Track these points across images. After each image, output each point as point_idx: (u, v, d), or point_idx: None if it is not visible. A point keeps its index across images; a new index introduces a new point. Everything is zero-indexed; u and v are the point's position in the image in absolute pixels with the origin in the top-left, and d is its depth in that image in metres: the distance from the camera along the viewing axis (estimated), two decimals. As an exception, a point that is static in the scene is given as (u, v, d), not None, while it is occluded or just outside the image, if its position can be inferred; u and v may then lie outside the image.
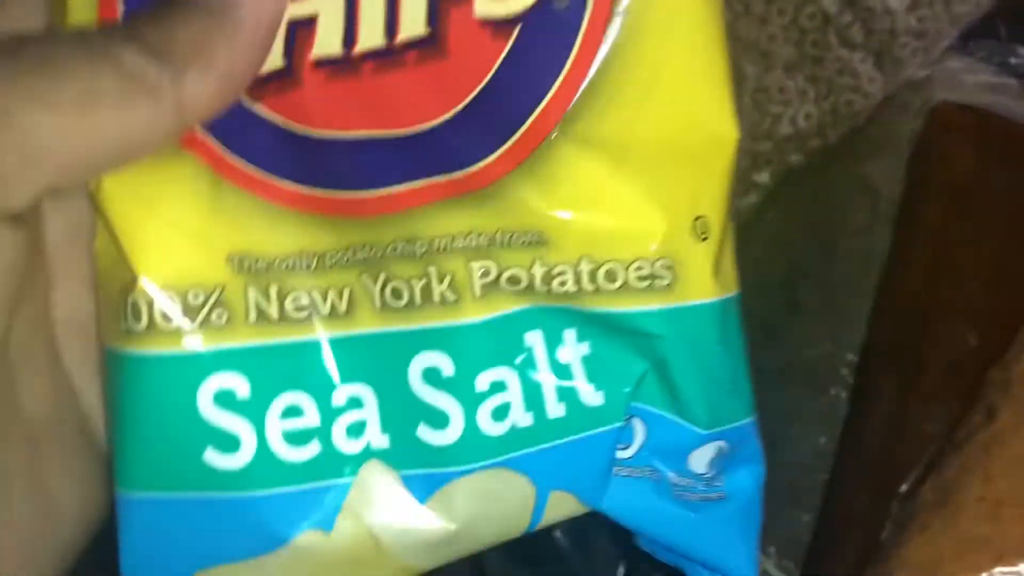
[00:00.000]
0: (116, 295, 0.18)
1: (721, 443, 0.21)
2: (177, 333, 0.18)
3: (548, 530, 0.46)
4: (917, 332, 0.39)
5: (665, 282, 0.20)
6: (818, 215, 0.44)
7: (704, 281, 0.21)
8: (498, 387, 0.19)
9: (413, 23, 0.18)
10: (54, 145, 0.16)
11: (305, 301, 0.18)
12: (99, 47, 0.16)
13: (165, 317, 0.18)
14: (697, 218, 0.20)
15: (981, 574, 0.31)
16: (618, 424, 0.20)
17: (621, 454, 0.21)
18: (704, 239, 0.21)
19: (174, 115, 0.17)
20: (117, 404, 0.19)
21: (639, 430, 0.21)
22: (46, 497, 0.19)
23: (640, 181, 0.20)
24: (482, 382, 0.19)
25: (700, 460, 0.21)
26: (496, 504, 0.20)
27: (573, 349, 0.20)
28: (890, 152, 0.43)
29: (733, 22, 0.41)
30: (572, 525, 0.46)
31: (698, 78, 0.20)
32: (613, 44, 0.19)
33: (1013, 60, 0.42)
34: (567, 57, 0.19)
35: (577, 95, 0.19)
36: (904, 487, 0.36)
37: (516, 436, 0.19)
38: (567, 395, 0.20)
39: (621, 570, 0.44)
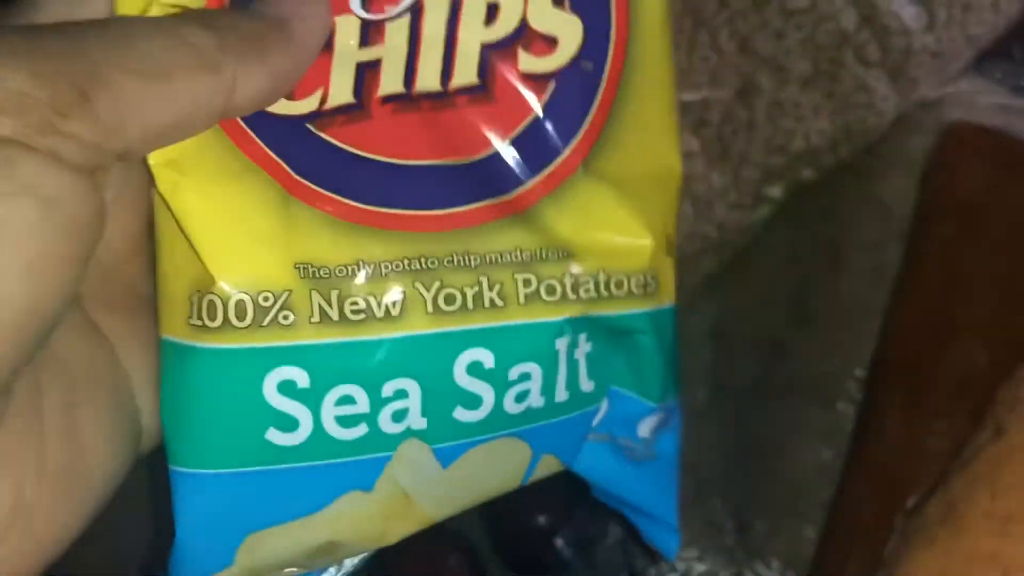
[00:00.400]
0: (185, 292, 0.21)
1: (662, 414, 0.27)
2: (249, 331, 0.20)
3: (552, 541, 0.45)
4: (926, 349, 0.39)
5: (652, 289, 0.25)
6: (829, 231, 0.44)
7: (670, 289, 0.26)
8: (525, 377, 0.23)
9: (466, 72, 0.22)
10: (137, 108, 0.18)
11: (362, 305, 0.21)
12: (174, 27, 0.19)
13: (239, 316, 0.20)
14: (667, 237, 0.25)
15: (987, 590, 0.31)
16: (598, 404, 0.25)
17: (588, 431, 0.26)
18: (670, 255, 0.25)
19: (227, 96, 0.19)
20: (183, 391, 0.21)
21: (603, 406, 0.25)
22: (79, 444, 0.20)
23: (635, 208, 0.24)
24: (514, 372, 0.23)
25: (646, 427, 0.26)
26: (502, 464, 0.24)
27: (582, 349, 0.24)
28: (902, 170, 0.43)
29: (749, 36, 0.42)
30: (576, 536, 0.45)
31: (664, 124, 0.25)
32: (618, 98, 0.24)
33: (1029, 84, 0.42)
34: (591, 107, 0.23)
35: (596, 141, 0.23)
36: (910, 502, 0.36)
37: (529, 414, 0.23)
38: (572, 384, 0.24)
39: (622, 580, 0.44)
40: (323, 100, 0.21)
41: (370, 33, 0.21)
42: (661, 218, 0.25)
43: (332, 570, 0.27)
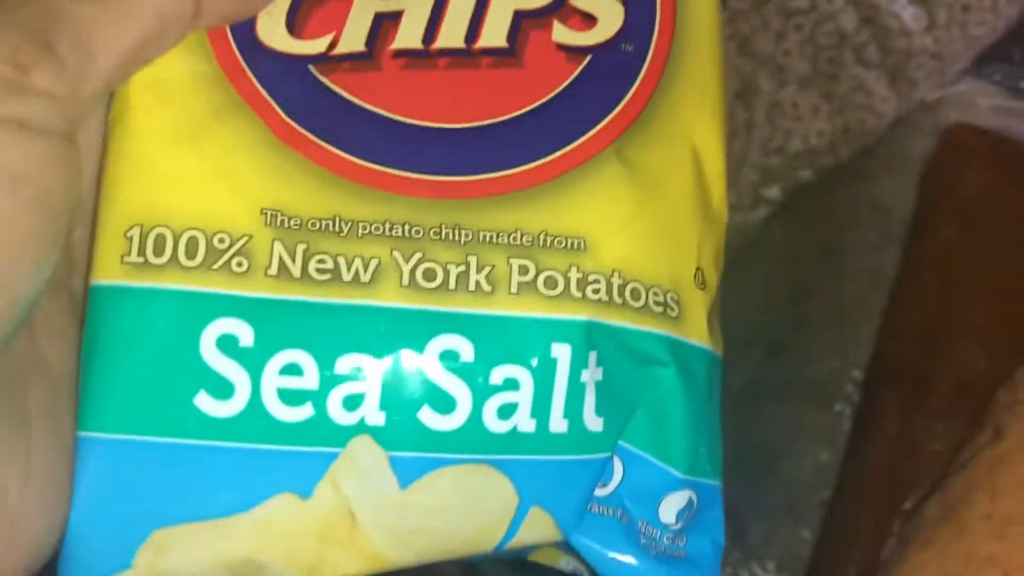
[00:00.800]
0: (125, 226, 0.18)
1: (692, 493, 0.21)
2: (195, 272, 0.18)
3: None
4: (925, 351, 0.38)
5: (674, 313, 0.21)
6: (827, 232, 0.44)
7: (700, 326, 0.21)
8: (511, 384, 0.19)
9: (494, 35, 0.20)
10: (105, 35, 0.17)
11: (329, 264, 0.19)
12: None
13: (188, 254, 0.18)
14: (698, 268, 0.21)
15: (986, 592, 0.31)
16: (607, 454, 0.20)
17: (598, 492, 0.21)
18: (702, 288, 0.22)
19: (193, 8, 0.18)
20: (106, 337, 0.18)
21: (618, 470, 0.21)
22: (64, 447, 0.18)
23: (665, 216, 0.21)
24: (497, 375, 0.19)
25: (670, 509, 0.21)
26: (477, 502, 0.20)
27: (591, 372, 0.20)
28: (901, 172, 0.43)
29: (750, 36, 0.41)
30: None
31: (712, 150, 0.22)
32: (660, 87, 0.21)
33: (1028, 86, 0.42)
34: (628, 89, 0.21)
35: (631, 126, 0.21)
36: (908, 504, 0.36)
37: (515, 439, 0.19)
38: (573, 414, 0.20)
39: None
40: (332, 44, 0.20)
41: None
42: (695, 245, 0.21)
43: None
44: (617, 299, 0.20)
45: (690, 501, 0.21)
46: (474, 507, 0.19)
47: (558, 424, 0.20)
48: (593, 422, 0.20)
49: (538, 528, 0.20)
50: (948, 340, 0.38)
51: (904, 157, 0.43)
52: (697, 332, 0.21)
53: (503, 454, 0.19)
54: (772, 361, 0.44)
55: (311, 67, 0.20)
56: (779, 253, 0.46)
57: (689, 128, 0.22)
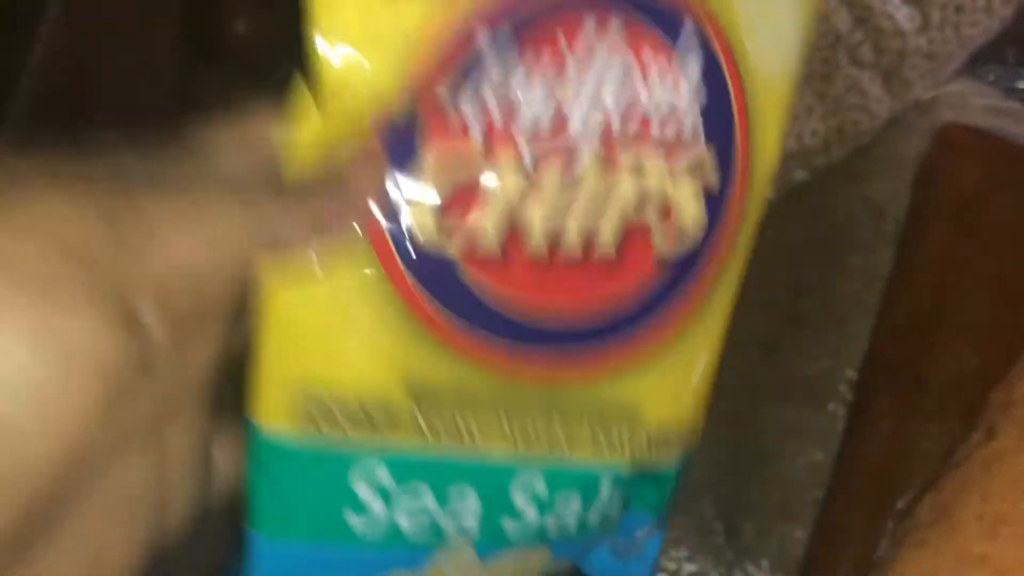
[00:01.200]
0: (289, 387, 0.22)
1: (650, 528, 0.29)
2: (348, 427, 0.23)
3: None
4: (918, 351, 0.38)
5: (688, 442, 0.28)
6: (821, 232, 0.44)
7: (697, 433, 0.29)
8: (568, 504, 0.26)
9: (605, 246, 0.23)
10: (166, 241, 0.18)
11: (450, 424, 0.23)
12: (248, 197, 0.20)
13: (344, 413, 0.23)
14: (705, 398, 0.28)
15: (978, 592, 0.31)
16: (620, 529, 0.28)
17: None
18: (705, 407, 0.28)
19: (263, 230, 0.20)
20: (280, 473, 0.23)
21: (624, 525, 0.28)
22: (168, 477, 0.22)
23: (692, 384, 0.27)
24: (560, 499, 0.26)
25: (644, 532, 0.29)
26: (525, 565, 0.27)
27: (622, 488, 0.27)
28: (895, 172, 0.43)
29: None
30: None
31: (722, 327, 0.28)
32: (710, 293, 0.26)
33: (1020, 84, 0.42)
34: (691, 292, 0.25)
35: (683, 325, 0.25)
36: (901, 504, 0.36)
37: (563, 532, 0.26)
38: (605, 514, 0.27)
39: None
40: (473, 245, 0.22)
41: (529, 188, 0.22)
42: (705, 387, 0.27)
43: None
44: (650, 449, 0.27)
45: (654, 525, 0.29)
46: (523, 568, 0.27)
47: (594, 521, 0.27)
48: (615, 514, 0.27)
49: (560, 566, 0.28)
50: (941, 339, 0.38)
51: (898, 157, 0.43)
52: (695, 439, 0.28)
53: (552, 541, 0.26)
54: (766, 360, 0.43)
55: (454, 264, 0.22)
56: (773, 252, 0.46)
57: (717, 324, 0.27)
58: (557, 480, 0.25)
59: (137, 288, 0.18)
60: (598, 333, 0.24)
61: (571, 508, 0.26)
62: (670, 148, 0.23)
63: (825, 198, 0.44)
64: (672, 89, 0.22)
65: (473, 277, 0.22)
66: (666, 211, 0.23)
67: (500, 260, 0.22)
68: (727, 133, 0.23)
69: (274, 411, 0.22)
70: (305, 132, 0.21)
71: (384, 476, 0.23)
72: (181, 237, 0.18)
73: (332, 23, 0.20)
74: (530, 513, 0.25)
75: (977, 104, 0.42)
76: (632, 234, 0.23)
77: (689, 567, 0.42)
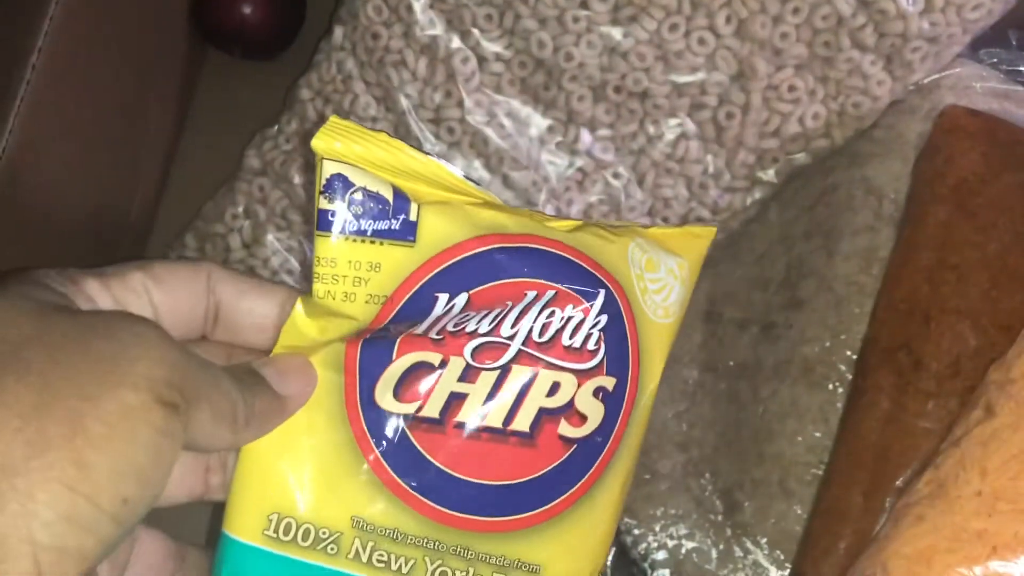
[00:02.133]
0: (265, 510, 0.28)
1: None
2: (306, 550, 0.28)
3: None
4: (918, 331, 0.38)
5: None
6: (822, 214, 0.44)
7: None
8: None
9: (522, 423, 0.29)
10: (204, 430, 0.25)
11: (385, 558, 0.28)
12: (237, 390, 0.26)
13: (303, 537, 0.28)
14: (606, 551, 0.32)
15: (975, 567, 0.31)
16: None
17: None
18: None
19: (232, 444, 0.27)
20: (244, 570, 0.28)
21: None
22: None
23: (593, 542, 0.31)
24: None
25: None
26: None
27: None
28: (896, 155, 0.42)
29: (747, 19, 0.41)
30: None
31: (616, 503, 0.32)
32: (608, 465, 0.30)
33: (1023, 67, 0.42)
34: (592, 468, 0.30)
35: (585, 493, 0.30)
36: (899, 482, 0.36)
37: None
38: None
39: (610, 556, 0.43)
40: (419, 409, 0.28)
41: (468, 374, 0.28)
42: (609, 537, 0.31)
43: None
44: None
45: None
46: None
47: None
48: None
49: None
50: (941, 319, 0.37)
51: (899, 140, 0.42)
52: None
53: None
54: (766, 340, 0.43)
55: (403, 423, 0.28)
56: (774, 234, 0.45)
57: (614, 494, 0.31)
58: None
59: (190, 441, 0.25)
60: (513, 496, 0.29)
61: None
62: (577, 363, 0.30)
63: (826, 180, 0.44)
64: (580, 325, 0.30)
65: (418, 440, 0.28)
66: (573, 410, 0.29)
67: (439, 429, 0.28)
68: (623, 357, 0.30)
69: (243, 525, 0.28)
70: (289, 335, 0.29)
71: None
72: (209, 429, 0.25)
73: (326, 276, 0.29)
74: None
75: (979, 87, 0.41)
76: (544, 421, 0.29)
77: (688, 544, 0.41)
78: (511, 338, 0.29)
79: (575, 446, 0.30)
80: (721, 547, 0.41)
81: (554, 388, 0.29)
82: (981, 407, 0.34)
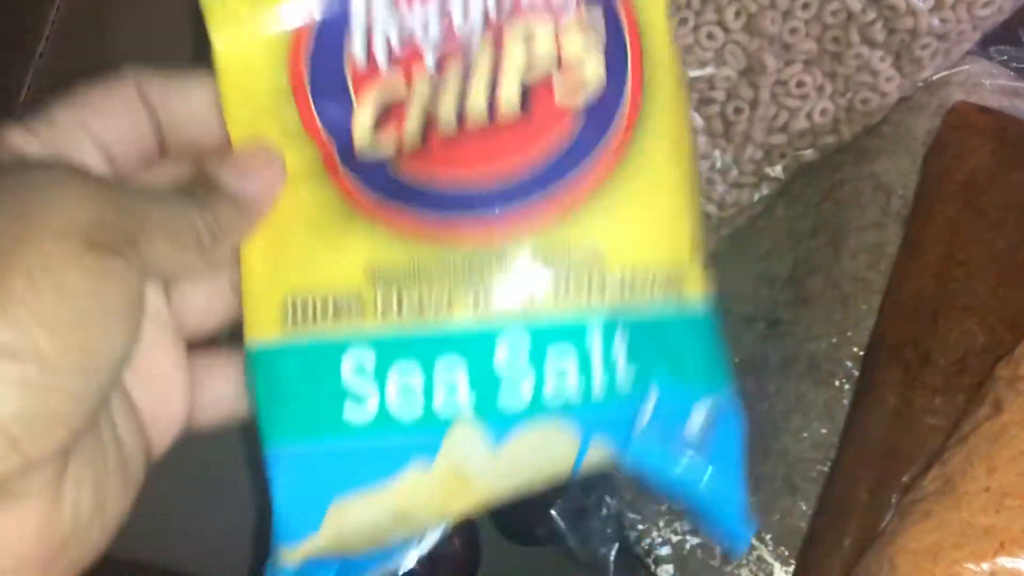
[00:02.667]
0: (280, 299, 0.25)
1: (711, 400, 0.27)
2: (330, 323, 0.25)
3: (547, 511, 0.44)
4: (925, 327, 0.37)
5: (677, 282, 0.26)
6: (829, 211, 0.43)
7: (697, 282, 0.27)
8: (561, 363, 0.25)
9: (508, 105, 0.25)
10: (158, 261, 0.23)
11: (417, 301, 0.25)
12: (184, 210, 0.24)
13: (323, 312, 0.25)
14: (692, 241, 0.27)
15: (982, 563, 0.30)
16: (641, 394, 0.26)
17: (640, 418, 0.26)
18: (695, 251, 0.27)
19: (208, 264, 0.24)
20: (279, 380, 0.25)
21: (651, 400, 0.26)
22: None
23: (664, 215, 0.26)
24: (550, 359, 0.25)
25: (697, 419, 0.27)
26: (550, 448, 0.26)
27: (619, 341, 0.25)
28: (904, 151, 0.42)
29: (757, 14, 0.40)
30: (570, 508, 0.44)
31: (682, 145, 0.27)
32: (639, 122, 0.26)
33: (1032, 67, 0.41)
34: (615, 129, 0.26)
35: (626, 150, 0.26)
36: (906, 478, 0.35)
37: (570, 399, 0.25)
38: (610, 372, 0.25)
39: (614, 551, 0.43)
40: (399, 140, 0.25)
41: (438, 87, 0.25)
42: (680, 224, 0.27)
43: (413, 548, 0.28)
44: (630, 290, 0.26)
45: (711, 407, 0.27)
46: (547, 452, 0.25)
47: (600, 382, 0.25)
48: (626, 375, 0.26)
49: (597, 456, 0.26)
50: (948, 316, 0.37)
51: (907, 136, 0.42)
52: (695, 286, 0.27)
53: (563, 411, 0.25)
54: (773, 336, 0.43)
55: (388, 162, 0.25)
56: (781, 230, 0.45)
57: (665, 140, 0.26)
58: (538, 339, 0.25)
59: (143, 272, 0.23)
60: (530, 186, 0.25)
61: (566, 368, 0.25)
62: (553, 9, 0.26)
63: (834, 176, 0.44)
64: None
65: (407, 169, 0.25)
66: (562, 64, 0.26)
67: (425, 149, 0.25)
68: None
69: (263, 324, 0.25)
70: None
71: (369, 362, 0.25)
72: (167, 259, 0.23)
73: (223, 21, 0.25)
74: (524, 378, 0.25)
75: (989, 84, 0.41)
76: (535, 93, 0.25)
77: (692, 539, 0.41)
78: (469, 29, 0.25)
79: (583, 110, 0.26)
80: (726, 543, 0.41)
81: (530, 42, 0.26)
82: (989, 403, 0.34)
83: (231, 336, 0.27)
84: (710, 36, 0.41)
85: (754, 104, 0.42)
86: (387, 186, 0.25)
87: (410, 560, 0.28)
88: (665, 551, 0.41)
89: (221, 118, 0.26)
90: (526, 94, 0.25)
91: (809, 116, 0.42)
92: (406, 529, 0.26)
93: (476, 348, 0.25)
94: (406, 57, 0.25)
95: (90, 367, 0.21)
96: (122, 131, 0.25)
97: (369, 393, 0.25)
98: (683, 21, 0.41)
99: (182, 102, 0.26)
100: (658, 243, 0.26)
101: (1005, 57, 0.41)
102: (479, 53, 0.25)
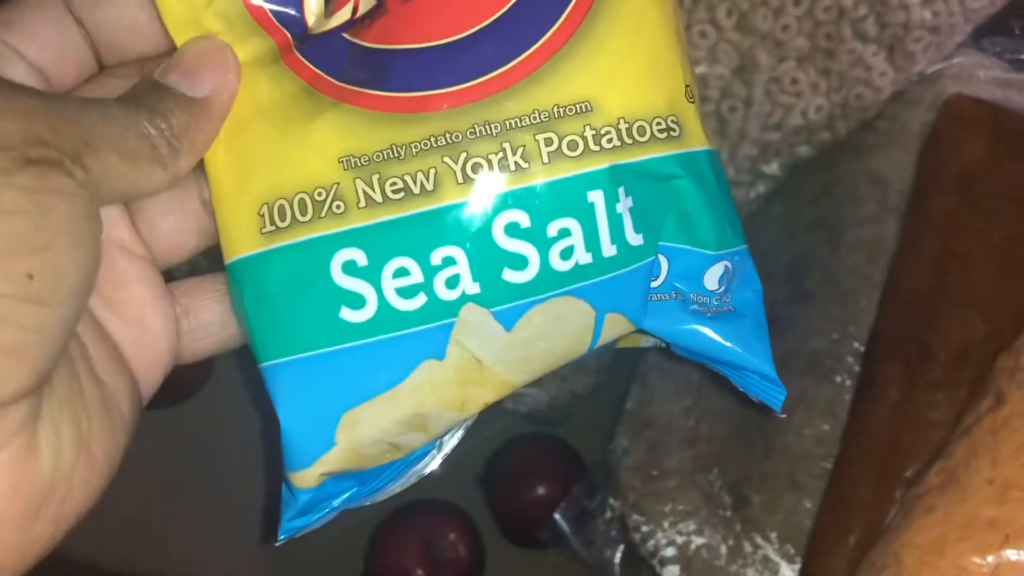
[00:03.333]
0: (254, 208, 0.24)
1: (727, 263, 0.26)
2: (311, 224, 0.23)
3: (550, 515, 0.44)
4: (925, 321, 0.37)
5: (676, 132, 0.24)
6: (826, 206, 0.43)
7: (698, 133, 0.25)
8: (565, 233, 0.23)
9: None
10: (109, 177, 0.21)
11: (400, 185, 0.23)
12: (135, 119, 0.22)
13: (302, 212, 0.23)
14: (687, 86, 0.25)
15: (987, 556, 0.30)
16: (652, 258, 0.25)
17: (653, 284, 0.25)
18: (692, 101, 0.25)
19: (171, 178, 0.23)
20: (265, 292, 0.24)
21: (664, 264, 0.25)
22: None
23: (651, 56, 0.24)
24: (552, 229, 0.23)
25: (712, 278, 0.25)
26: (565, 324, 0.24)
27: (623, 203, 0.24)
28: (899, 145, 0.42)
29: (748, 11, 0.40)
30: (574, 511, 0.44)
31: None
32: None
33: (1025, 58, 0.41)
34: None
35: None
36: (909, 473, 0.35)
37: (579, 270, 0.24)
38: (617, 238, 0.24)
39: (619, 554, 0.43)
40: (355, 9, 0.24)
41: None
42: (680, 68, 0.25)
43: (434, 451, 0.27)
44: (628, 140, 0.24)
45: (726, 268, 0.26)
46: (563, 328, 0.24)
47: (609, 250, 0.24)
48: (634, 239, 0.24)
49: (616, 327, 0.25)
50: (948, 309, 0.37)
51: (903, 130, 0.42)
52: (697, 139, 0.25)
53: (574, 284, 0.24)
54: (773, 334, 0.42)
55: (344, 34, 0.24)
56: (778, 227, 0.45)
57: (639, 7, 0.24)
58: (537, 208, 0.23)
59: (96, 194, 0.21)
60: (502, 39, 0.23)
61: (571, 236, 0.23)
62: None
63: (830, 173, 0.43)
64: None
65: (367, 39, 0.24)
66: None
67: (383, 13, 0.23)
68: None
69: (240, 239, 0.24)
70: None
71: (361, 259, 0.23)
72: (119, 175, 0.21)
73: None
74: (527, 254, 0.23)
75: (983, 76, 0.41)
76: None
77: (697, 540, 0.41)
78: None
79: None
80: (731, 542, 0.40)
81: None
82: (991, 396, 0.33)
83: (212, 261, 0.25)
84: (702, 35, 0.41)
85: (748, 102, 0.42)
86: (349, 64, 0.23)
87: (433, 464, 0.26)
88: (671, 552, 0.41)
89: (159, 22, 0.24)
90: None
91: (804, 113, 0.42)
92: (425, 432, 0.25)
93: (472, 231, 0.23)
94: None
95: (44, 295, 0.19)
96: (53, 48, 0.23)
97: (365, 291, 0.23)
98: (675, 21, 0.41)
99: (111, 8, 0.24)
100: (651, 86, 0.24)
101: (998, 48, 0.41)
102: None
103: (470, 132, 0.23)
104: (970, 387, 0.35)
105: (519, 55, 0.23)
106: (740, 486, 0.41)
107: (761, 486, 0.40)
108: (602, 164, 0.23)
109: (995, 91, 0.40)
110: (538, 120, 0.23)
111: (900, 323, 0.38)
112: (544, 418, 0.47)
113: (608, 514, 0.43)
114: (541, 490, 0.45)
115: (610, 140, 0.23)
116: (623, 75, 0.24)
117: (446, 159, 0.23)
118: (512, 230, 0.23)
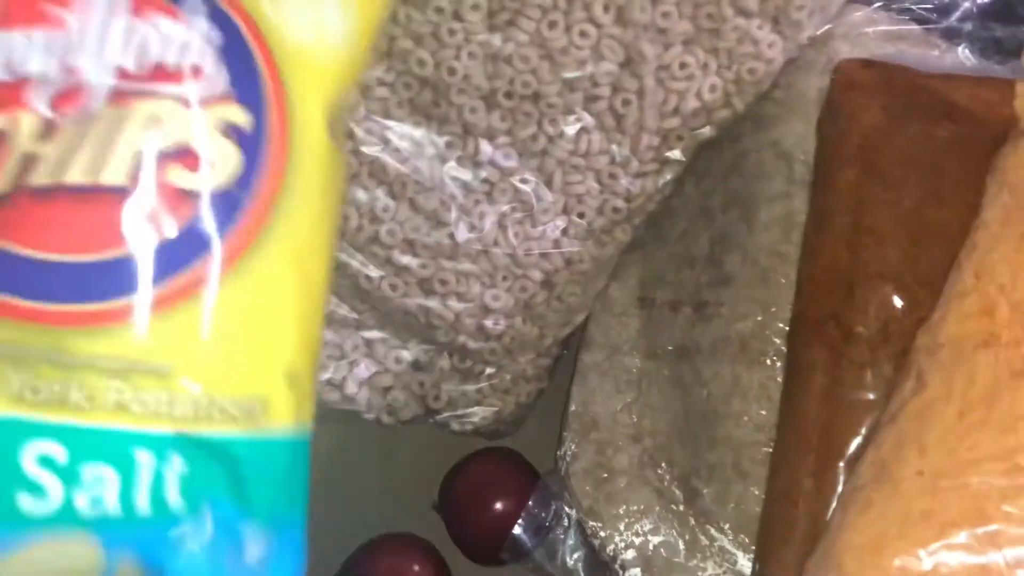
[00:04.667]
0: None
1: (271, 535, 0.25)
2: None
3: (510, 529, 0.44)
4: (843, 298, 0.36)
5: (258, 414, 0.24)
6: (737, 184, 0.42)
7: (285, 415, 0.25)
8: (99, 480, 0.22)
9: (117, 174, 0.22)
10: None
11: None
12: None
13: None
14: (290, 367, 0.24)
15: (923, 550, 0.30)
16: (194, 518, 0.24)
17: (194, 541, 0.24)
18: (293, 382, 0.25)
19: None
20: None
21: (207, 519, 0.24)
22: None
23: (255, 335, 0.24)
24: (88, 473, 0.22)
25: (254, 552, 0.25)
26: (67, 561, 0.23)
27: (174, 466, 0.23)
28: (799, 113, 0.40)
29: (625, 5, 0.38)
30: (532, 523, 0.44)
31: (308, 273, 0.25)
32: (266, 229, 0.24)
33: (912, 5, 0.40)
34: (232, 231, 0.23)
35: (233, 265, 0.23)
36: (842, 463, 0.35)
37: (101, 515, 0.23)
38: (156, 498, 0.23)
39: (581, 560, 0.43)
40: None
41: (48, 131, 0.22)
42: (288, 342, 0.24)
43: None
44: (202, 413, 0.23)
45: (270, 540, 0.25)
46: (64, 565, 0.23)
47: (143, 506, 0.23)
48: (176, 502, 0.24)
49: (130, 573, 0.24)
50: (865, 285, 0.36)
51: (801, 98, 0.40)
52: (280, 420, 0.25)
53: (94, 528, 0.23)
54: (701, 320, 0.42)
55: None
56: (694, 208, 0.44)
57: (289, 262, 0.24)
58: (80, 447, 0.22)
59: None
60: (118, 272, 0.22)
61: (106, 483, 0.23)
62: (180, 85, 0.23)
63: (735, 147, 0.42)
64: (182, 44, 0.23)
65: None
66: (187, 148, 0.23)
67: (8, 204, 0.22)
68: (254, 86, 0.24)
69: None
70: None
71: None
72: None
73: None
74: (51, 487, 0.22)
75: (872, 32, 0.39)
76: (149, 163, 0.22)
77: (654, 539, 0.41)
78: (95, 73, 0.22)
79: (200, 201, 0.23)
80: (687, 537, 0.40)
81: (155, 121, 0.22)
82: (913, 377, 0.33)
83: None
84: (583, 34, 0.39)
85: (641, 93, 0.40)
86: None
87: None
88: (630, 555, 0.41)
89: None
90: (137, 165, 0.22)
91: (699, 95, 0.40)
92: None
93: (1, 446, 0.22)
94: (9, 89, 0.22)
95: None
96: None
97: None
98: (552, 24, 0.39)
99: None
100: (243, 366, 0.24)
101: (881, 1, 0.39)
102: (103, 108, 0.22)
103: (44, 354, 0.22)
104: (896, 362, 0.35)
105: (119, 299, 0.22)
106: (689, 479, 0.41)
107: (710, 477, 0.40)
108: (164, 429, 0.23)
109: (886, 46, 0.39)
110: (116, 368, 0.22)
111: (819, 304, 0.37)
112: (492, 432, 0.46)
113: (565, 522, 0.43)
114: (499, 506, 0.45)
115: (183, 408, 0.23)
116: (216, 353, 0.23)
117: (9, 369, 0.22)
118: (44, 461, 0.22)
